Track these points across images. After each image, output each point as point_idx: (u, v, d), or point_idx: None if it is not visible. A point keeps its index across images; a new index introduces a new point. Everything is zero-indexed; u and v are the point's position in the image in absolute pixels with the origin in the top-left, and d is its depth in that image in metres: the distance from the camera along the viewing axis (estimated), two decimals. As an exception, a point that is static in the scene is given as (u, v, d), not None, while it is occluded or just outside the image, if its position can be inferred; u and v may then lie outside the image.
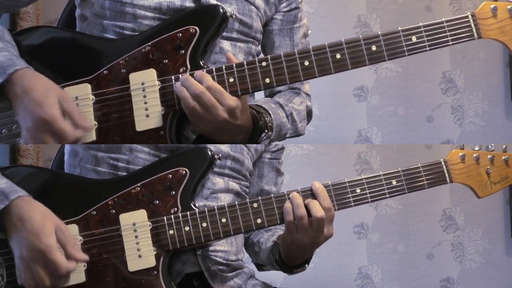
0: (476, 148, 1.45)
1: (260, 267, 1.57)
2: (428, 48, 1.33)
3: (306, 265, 1.47)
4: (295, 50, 1.33)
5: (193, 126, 1.32)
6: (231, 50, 1.40)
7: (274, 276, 2.92)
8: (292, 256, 1.42)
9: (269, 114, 1.41)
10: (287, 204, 1.33)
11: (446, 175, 1.41)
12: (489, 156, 1.44)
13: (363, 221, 3.01)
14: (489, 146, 1.45)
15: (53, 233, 1.21)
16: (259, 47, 1.51)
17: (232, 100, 1.27)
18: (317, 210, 1.32)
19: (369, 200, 1.37)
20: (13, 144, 1.36)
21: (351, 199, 1.36)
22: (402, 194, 1.40)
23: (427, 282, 3.04)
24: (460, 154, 1.43)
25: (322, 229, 1.33)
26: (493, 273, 3.10)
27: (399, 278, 3.02)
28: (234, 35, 1.41)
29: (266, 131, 1.38)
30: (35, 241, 1.19)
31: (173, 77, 1.30)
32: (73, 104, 1.26)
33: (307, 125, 1.60)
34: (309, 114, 1.59)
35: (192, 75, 1.28)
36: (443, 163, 1.42)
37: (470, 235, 3.09)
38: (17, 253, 1.22)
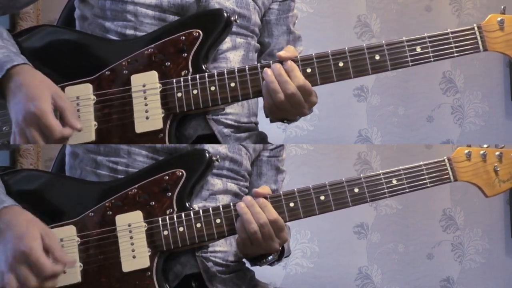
0: (485, 146, 1.40)
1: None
2: (432, 59, 1.31)
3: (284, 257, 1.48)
4: (298, 57, 1.32)
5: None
6: (230, 46, 1.41)
7: (274, 276, 2.92)
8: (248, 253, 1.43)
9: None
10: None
11: (450, 173, 1.37)
12: (497, 153, 1.39)
13: (363, 221, 3.01)
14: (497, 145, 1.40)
15: (38, 236, 1.20)
16: (257, 43, 1.52)
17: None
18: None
19: (368, 200, 1.35)
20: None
21: (349, 199, 1.34)
22: (403, 193, 1.37)
23: (427, 282, 3.04)
24: (466, 151, 1.39)
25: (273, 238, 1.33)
26: (493, 273, 3.10)
27: (399, 278, 3.02)
28: (234, 29, 1.41)
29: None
30: (19, 244, 1.18)
31: (174, 80, 1.30)
32: (67, 102, 1.25)
33: None
34: None
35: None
36: (446, 161, 1.38)
37: (470, 235, 3.09)
38: (2, 259, 1.20)
